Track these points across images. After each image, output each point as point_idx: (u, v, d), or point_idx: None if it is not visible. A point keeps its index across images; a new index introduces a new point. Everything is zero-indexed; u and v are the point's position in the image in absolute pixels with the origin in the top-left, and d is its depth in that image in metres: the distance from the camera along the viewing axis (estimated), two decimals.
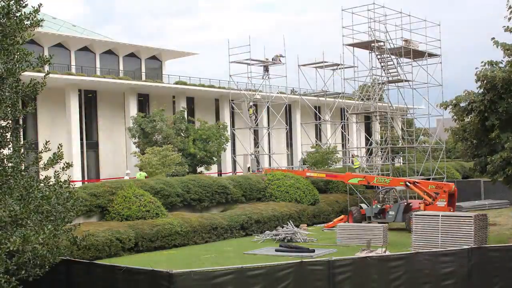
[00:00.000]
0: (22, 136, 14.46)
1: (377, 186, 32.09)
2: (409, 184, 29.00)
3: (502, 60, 21.12)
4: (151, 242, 23.93)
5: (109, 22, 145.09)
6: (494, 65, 20.84)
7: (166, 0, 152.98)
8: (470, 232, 20.52)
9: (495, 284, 14.96)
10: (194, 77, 51.77)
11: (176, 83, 48.78)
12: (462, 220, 21.05)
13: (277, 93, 50.04)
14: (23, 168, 12.45)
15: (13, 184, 11.50)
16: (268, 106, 48.67)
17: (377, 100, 38.09)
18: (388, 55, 37.86)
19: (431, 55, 40.24)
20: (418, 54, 39.52)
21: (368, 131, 62.81)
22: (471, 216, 20.95)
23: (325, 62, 44.17)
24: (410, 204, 28.74)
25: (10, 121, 12.18)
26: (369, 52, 38.69)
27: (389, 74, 38.28)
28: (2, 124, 12.07)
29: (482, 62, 20.91)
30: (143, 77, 50.94)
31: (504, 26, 20.65)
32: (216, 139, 41.23)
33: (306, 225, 29.74)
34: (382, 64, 37.89)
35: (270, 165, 51.58)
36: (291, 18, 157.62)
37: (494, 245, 19.43)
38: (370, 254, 18.72)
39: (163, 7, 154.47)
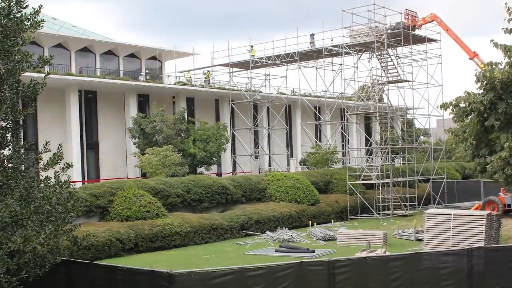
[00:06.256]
0: (22, 137, 14.44)
1: None
2: None
3: (501, 61, 21.17)
4: (151, 243, 23.94)
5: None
6: (493, 66, 20.90)
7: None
8: (481, 231, 20.46)
9: (495, 284, 14.96)
10: (194, 77, 51.72)
11: (176, 83, 48.79)
12: (473, 219, 20.97)
13: (277, 93, 50.07)
14: (23, 168, 12.48)
15: (13, 184, 11.53)
16: (268, 107, 48.71)
17: (377, 101, 38.10)
18: (388, 55, 37.88)
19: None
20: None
21: (368, 131, 62.79)
22: (483, 215, 20.89)
23: (325, 62, 44.26)
24: None
25: (10, 122, 12.20)
26: (369, 53, 38.74)
27: (389, 75, 38.30)
28: (3, 125, 12.09)
29: (481, 63, 20.94)
30: (143, 78, 50.94)
31: (504, 28, 20.69)
32: (216, 139, 41.23)
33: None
34: (382, 64, 37.91)
35: (270, 165, 51.62)
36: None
37: (494, 245, 19.46)
38: (370, 254, 18.76)
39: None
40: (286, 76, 47.78)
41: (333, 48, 41.44)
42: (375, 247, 22.33)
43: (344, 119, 45.36)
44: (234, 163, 48.81)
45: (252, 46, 46.49)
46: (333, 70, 44.92)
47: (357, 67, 39.77)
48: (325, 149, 44.34)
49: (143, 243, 23.68)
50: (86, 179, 42.20)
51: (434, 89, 42.13)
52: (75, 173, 38.63)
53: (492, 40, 20.88)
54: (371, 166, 36.96)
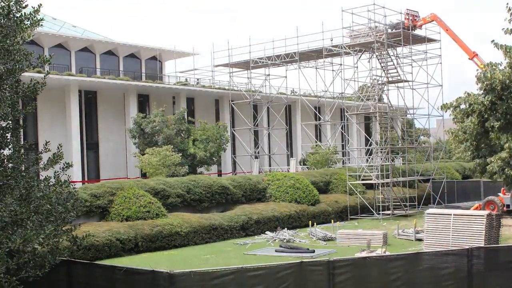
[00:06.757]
0: (22, 137, 14.42)
1: None
2: None
3: (501, 62, 21.18)
4: (151, 243, 23.93)
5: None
6: (493, 67, 20.91)
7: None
8: (481, 231, 20.44)
9: (495, 284, 14.94)
10: (194, 77, 51.76)
11: (176, 83, 48.80)
12: (473, 219, 20.93)
13: (277, 93, 50.07)
14: (23, 168, 12.45)
15: (13, 184, 11.51)
16: (268, 107, 48.72)
17: (377, 101, 38.10)
18: (388, 55, 37.87)
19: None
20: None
21: (368, 131, 62.80)
22: (483, 215, 20.86)
23: (325, 62, 44.26)
24: None
25: (10, 122, 12.17)
26: (369, 53, 38.73)
27: (389, 75, 38.30)
28: (3, 125, 12.07)
29: (481, 63, 20.97)
30: (143, 78, 50.94)
31: (504, 28, 20.68)
32: (216, 139, 41.24)
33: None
34: (382, 64, 37.91)
35: (270, 165, 51.61)
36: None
37: (494, 245, 19.44)
38: (370, 254, 18.75)
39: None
40: (286, 76, 47.80)
41: (333, 48, 41.42)
42: (375, 247, 22.32)
43: (344, 119, 45.37)
44: (234, 163, 48.81)
45: None
46: (333, 70, 44.96)
47: (357, 67, 39.77)
48: (325, 149, 44.33)
49: (143, 243, 23.67)
50: (86, 179, 42.20)
51: (434, 89, 42.17)
52: (75, 173, 38.63)
53: (493, 41, 20.88)
54: (371, 166, 36.95)
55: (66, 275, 14.27)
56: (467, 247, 15.53)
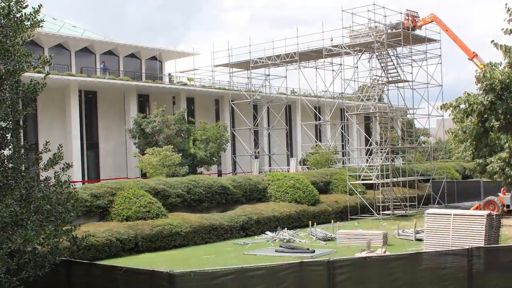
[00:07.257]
0: (22, 137, 14.42)
1: None
2: None
3: (500, 62, 21.18)
4: (151, 243, 23.94)
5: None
6: (493, 67, 20.92)
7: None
8: (481, 231, 20.44)
9: (495, 284, 14.95)
10: (194, 77, 51.74)
11: (176, 83, 48.81)
12: (473, 219, 20.92)
13: (277, 93, 50.06)
14: (23, 168, 12.46)
15: (13, 184, 11.53)
16: (268, 107, 48.73)
17: (377, 101, 38.09)
18: (388, 56, 37.87)
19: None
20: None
21: (368, 131, 62.79)
22: (483, 215, 20.86)
23: (325, 62, 44.27)
24: None
25: (10, 122, 12.18)
26: (369, 53, 38.73)
27: (389, 75, 38.30)
28: (3, 125, 12.08)
29: (481, 63, 20.98)
30: (143, 78, 50.94)
31: (503, 29, 20.70)
32: (216, 139, 41.24)
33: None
34: (382, 64, 37.91)
35: (270, 165, 51.61)
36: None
37: (494, 245, 19.45)
38: (370, 254, 18.76)
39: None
40: (286, 76, 47.80)
41: (333, 48, 41.42)
42: (375, 247, 22.33)
43: (344, 119, 45.39)
44: (234, 163, 48.81)
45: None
46: (333, 70, 44.95)
47: (357, 67, 39.79)
48: (325, 149, 44.32)
49: (143, 243, 23.68)
50: (86, 179, 42.19)
51: (434, 89, 42.14)
52: (75, 173, 38.61)
53: (492, 41, 20.89)
54: (371, 166, 36.94)
55: (66, 275, 14.28)
56: (467, 247, 15.53)
